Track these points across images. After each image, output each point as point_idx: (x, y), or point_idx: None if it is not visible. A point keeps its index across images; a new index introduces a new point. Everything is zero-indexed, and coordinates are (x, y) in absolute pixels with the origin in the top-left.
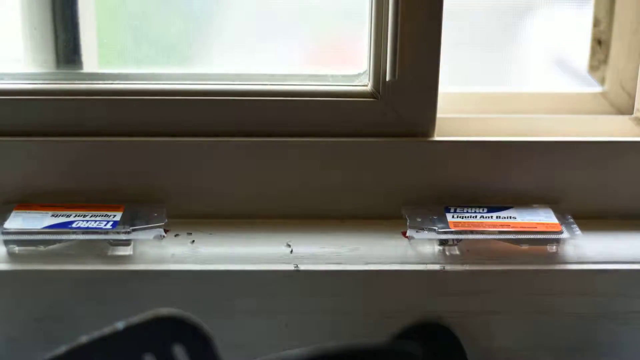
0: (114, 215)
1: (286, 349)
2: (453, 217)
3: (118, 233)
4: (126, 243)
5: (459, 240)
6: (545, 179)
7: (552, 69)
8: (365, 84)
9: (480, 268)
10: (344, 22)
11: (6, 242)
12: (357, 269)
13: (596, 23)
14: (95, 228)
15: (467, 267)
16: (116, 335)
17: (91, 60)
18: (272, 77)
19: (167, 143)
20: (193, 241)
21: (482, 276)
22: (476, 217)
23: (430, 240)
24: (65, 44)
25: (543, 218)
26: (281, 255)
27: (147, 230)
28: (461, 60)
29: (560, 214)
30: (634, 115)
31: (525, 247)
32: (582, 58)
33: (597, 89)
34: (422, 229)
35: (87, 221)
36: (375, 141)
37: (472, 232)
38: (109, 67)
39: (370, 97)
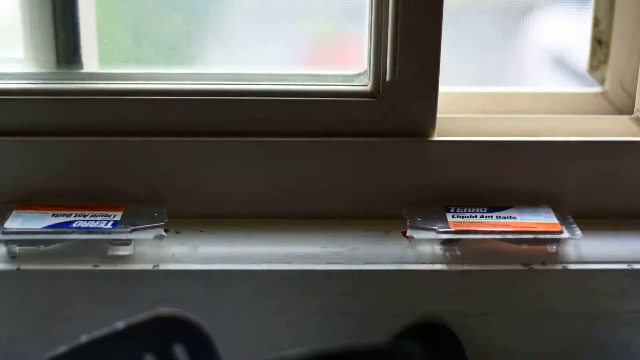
0: (114, 215)
1: (286, 349)
2: (453, 217)
3: (118, 233)
4: (126, 243)
5: (459, 240)
6: (545, 179)
7: (552, 69)
8: (365, 83)
9: (480, 268)
10: (344, 22)
11: (6, 242)
12: (357, 269)
13: (596, 23)
14: (96, 228)
15: (467, 267)
16: (116, 335)
17: (91, 60)
18: (272, 77)
19: (167, 143)
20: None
21: (482, 276)
22: (476, 217)
23: (430, 240)
24: (66, 44)
25: (543, 218)
26: (281, 255)
27: (147, 230)
28: (461, 60)
29: (560, 214)
30: (634, 115)
31: (525, 247)
32: (582, 58)
33: (597, 89)
34: (422, 229)
35: (87, 221)
36: (375, 141)
37: (472, 232)
38: (109, 67)
39: (370, 97)
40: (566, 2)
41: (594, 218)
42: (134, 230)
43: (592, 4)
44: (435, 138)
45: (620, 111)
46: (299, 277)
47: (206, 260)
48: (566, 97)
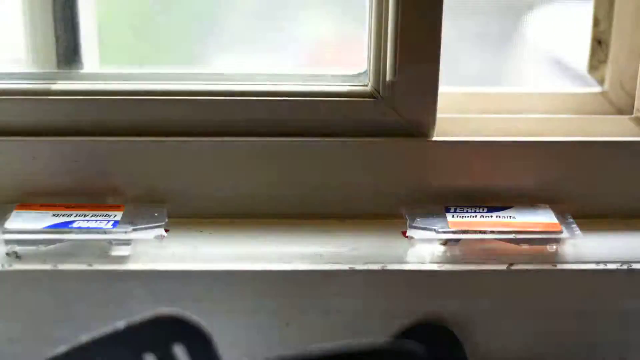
0: (115, 215)
1: (286, 349)
2: (453, 217)
3: (118, 233)
4: (126, 243)
5: (458, 240)
6: (545, 179)
7: (552, 69)
8: (365, 84)
9: (480, 268)
10: (344, 22)
11: (7, 242)
12: (357, 269)
13: (596, 23)
14: (96, 228)
15: (467, 267)
16: (117, 335)
17: (91, 60)
18: (272, 77)
19: (167, 143)
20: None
21: (482, 276)
22: (476, 217)
23: (430, 240)
24: (66, 44)
25: (543, 218)
26: (281, 255)
27: (147, 230)
28: (461, 60)
29: (560, 214)
30: (634, 115)
31: (525, 247)
32: (582, 58)
33: (597, 89)
34: (422, 229)
35: (88, 221)
36: (375, 141)
37: (472, 232)
38: (109, 67)
39: (370, 97)
40: (566, 2)
41: (594, 218)
42: (134, 230)
43: (592, 4)
44: (435, 138)
45: (620, 111)
46: (299, 277)
47: (206, 260)
48: (566, 97)
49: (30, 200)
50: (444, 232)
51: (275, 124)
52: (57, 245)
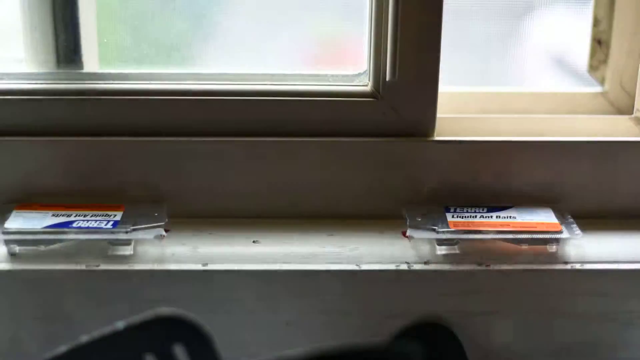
0: (114, 215)
1: (286, 349)
2: (453, 217)
3: (118, 233)
4: (126, 243)
5: (458, 240)
6: (545, 179)
7: (552, 69)
8: (365, 84)
9: (480, 268)
10: (344, 22)
11: (7, 242)
12: (357, 269)
13: (596, 23)
14: (96, 228)
15: (467, 267)
16: (116, 335)
17: (91, 60)
18: (272, 77)
19: (167, 143)
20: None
21: (482, 276)
22: (476, 217)
23: (430, 240)
24: (66, 44)
25: (543, 218)
26: (281, 255)
27: (147, 230)
28: (461, 60)
29: (560, 214)
30: (634, 115)
31: (525, 247)
32: (582, 58)
33: (597, 89)
34: (422, 229)
35: (88, 221)
36: (375, 141)
37: (472, 232)
38: (109, 67)
39: (370, 97)
40: (566, 2)
41: (594, 218)
42: (134, 230)
43: (592, 4)
44: (435, 138)
45: (620, 111)
46: (299, 277)
47: (206, 260)
48: (566, 97)
49: (30, 200)
50: (444, 232)
51: (275, 124)
52: (57, 245)
